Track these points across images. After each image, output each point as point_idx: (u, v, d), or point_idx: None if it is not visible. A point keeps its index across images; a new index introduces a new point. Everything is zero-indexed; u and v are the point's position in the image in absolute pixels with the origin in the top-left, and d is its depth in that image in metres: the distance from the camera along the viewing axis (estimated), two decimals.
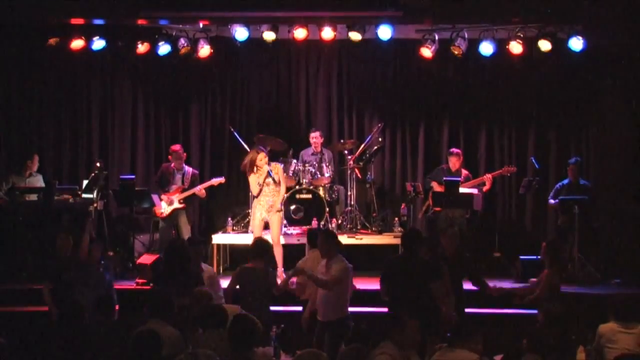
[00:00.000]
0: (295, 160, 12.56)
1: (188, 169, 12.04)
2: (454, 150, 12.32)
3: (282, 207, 11.28)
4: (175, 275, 8.19)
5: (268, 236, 10.72)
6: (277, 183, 10.93)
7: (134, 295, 10.02)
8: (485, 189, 12.02)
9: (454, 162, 12.13)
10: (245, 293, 8.38)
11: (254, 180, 10.96)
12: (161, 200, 11.73)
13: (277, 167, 11.12)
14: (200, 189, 11.87)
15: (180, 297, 7.49)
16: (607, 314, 7.37)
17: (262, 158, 10.84)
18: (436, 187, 11.98)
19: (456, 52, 11.99)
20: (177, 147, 12.06)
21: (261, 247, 8.74)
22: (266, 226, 11.19)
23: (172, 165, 11.95)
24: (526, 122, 13.30)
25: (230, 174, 13.44)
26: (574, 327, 7.33)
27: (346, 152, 12.85)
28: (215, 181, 12.06)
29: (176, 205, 11.73)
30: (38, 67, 12.91)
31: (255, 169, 10.90)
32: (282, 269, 10.76)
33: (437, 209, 11.88)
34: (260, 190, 10.91)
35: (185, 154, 12.12)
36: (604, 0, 11.01)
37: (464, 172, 12.21)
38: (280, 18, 11.70)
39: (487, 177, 12.08)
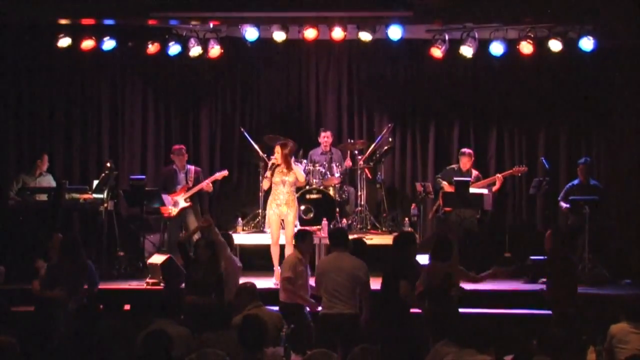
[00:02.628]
0: (305, 161, 12.55)
1: (190, 168, 12.06)
2: (465, 150, 12.28)
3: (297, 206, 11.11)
4: None
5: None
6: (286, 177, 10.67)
7: (144, 296, 10.06)
8: (495, 189, 11.96)
9: (464, 162, 12.09)
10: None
11: (268, 173, 10.72)
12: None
13: (297, 169, 10.91)
14: (207, 184, 11.88)
15: None
16: (617, 315, 7.35)
17: (275, 151, 10.67)
18: (446, 187, 11.94)
19: (466, 55, 12.01)
20: (178, 145, 12.19)
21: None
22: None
23: (174, 166, 11.98)
24: (536, 122, 13.27)
25: (241, 175, 13.45)
26: (585, 328, 7.32)
27: (356, 152, 12.85)
28: (219, 175, 12.12)
29: (183, 204, 11.74)
30: (48, 67, 12.90)
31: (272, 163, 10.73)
32: (278, 268, 10.69)
33: (448, 209, 11.84)
34: (270, 187, 10.70)
35: (187, 154, 12.14)
36: (615, 0, 10.99)
37: (475, 172, 12.16)
38: (291, 18, 11.70)
39: (498, 177, 12.04)
